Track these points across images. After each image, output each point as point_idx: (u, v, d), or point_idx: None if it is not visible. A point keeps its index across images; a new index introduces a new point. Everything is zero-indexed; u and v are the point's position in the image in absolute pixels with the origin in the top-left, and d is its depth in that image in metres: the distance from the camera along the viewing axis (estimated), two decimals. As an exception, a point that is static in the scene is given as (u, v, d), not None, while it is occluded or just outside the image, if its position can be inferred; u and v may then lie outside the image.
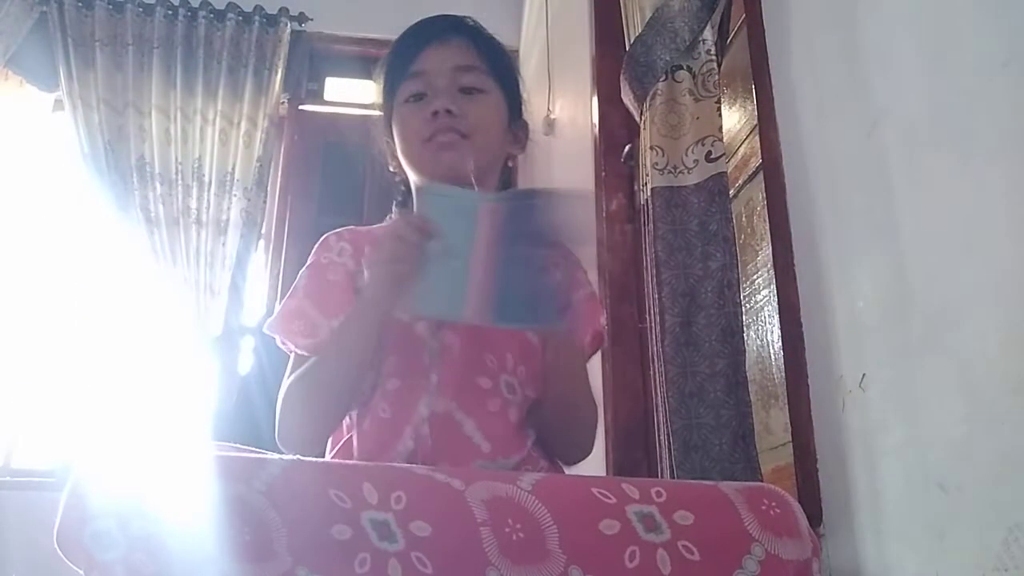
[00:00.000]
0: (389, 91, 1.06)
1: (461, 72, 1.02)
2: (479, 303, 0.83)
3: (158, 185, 3.17)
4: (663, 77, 1.45)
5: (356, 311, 0.94)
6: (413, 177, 1.06)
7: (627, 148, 1.99)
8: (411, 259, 0.84)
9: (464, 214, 0.84)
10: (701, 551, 0.71)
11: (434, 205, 0.87)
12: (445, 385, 0.93)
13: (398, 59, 1.05)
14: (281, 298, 3.67)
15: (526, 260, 0.83)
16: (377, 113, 1.11)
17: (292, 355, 1.01)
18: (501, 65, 1.07)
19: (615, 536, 0.71)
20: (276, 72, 3.38)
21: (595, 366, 1.64)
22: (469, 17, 1.08)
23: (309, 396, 0.94)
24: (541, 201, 0.85)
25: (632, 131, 1.89)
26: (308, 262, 1.05)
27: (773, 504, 0.75)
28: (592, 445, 1.05)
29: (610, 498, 0.73)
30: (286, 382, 0.97)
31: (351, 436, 0.97)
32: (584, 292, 1.09)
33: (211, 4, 3.38)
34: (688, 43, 1.42)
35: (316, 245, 1.06)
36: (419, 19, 1.07)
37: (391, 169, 1.11)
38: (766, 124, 1.23)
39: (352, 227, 1.09)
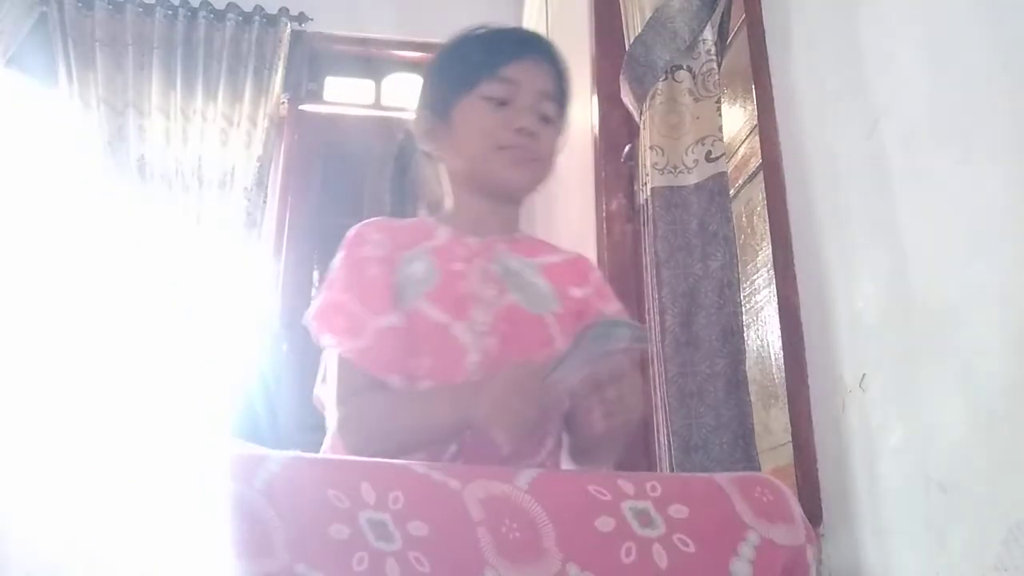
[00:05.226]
0: (465, 79, 1.03)
1: (546, 98, 1.04)
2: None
3: (158, 185, 3.17)
4: (663, 77, 1.45)
5: (453, 403, 0.89)
6: (461, 165, 1.05)
7: (627, 148, 1.99)
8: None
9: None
10: (696, 542, 0.73)
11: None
12: None
13: (488, 54, 1.04)
14: (281, 298, 3.61)
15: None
16: (421, 89, 1.10)
17: (339, 359, 0.94)
18: (568, 104, 1.10)
19: (611, 533, 0.72)
20: (276, 72, 3.38)
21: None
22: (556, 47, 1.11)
23: (376, 434, 0.91)
24: (629, 333, 0.83)
25: (632, 131, 1.89)
26: (342, 254, 1.00)
27: (766, 491, 0.77)
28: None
29: (605, 495, 0.74)
30: (343, 389, 0.92)
31: None
32: (615, 307, 1.08)
33: (211, 4, 3.38)
34: (688, 43, 1.42)
35: (349, 236, 1.02)
36: (489, 23, 1.08)
37: (424, 148, 1.09)
38: (766, 124, 1.23)
39: (383, 219, 1.07)
